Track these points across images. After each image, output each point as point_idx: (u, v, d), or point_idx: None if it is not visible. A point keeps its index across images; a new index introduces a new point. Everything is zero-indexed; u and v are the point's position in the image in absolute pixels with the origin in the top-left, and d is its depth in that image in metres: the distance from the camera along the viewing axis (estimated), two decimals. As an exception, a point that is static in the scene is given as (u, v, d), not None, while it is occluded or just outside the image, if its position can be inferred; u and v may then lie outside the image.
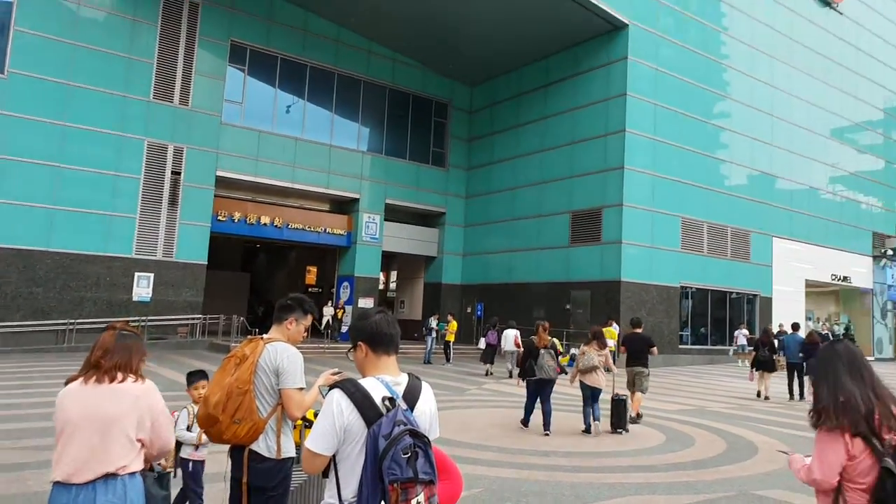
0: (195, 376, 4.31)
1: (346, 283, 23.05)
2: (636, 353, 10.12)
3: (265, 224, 21.66)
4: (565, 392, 11.09)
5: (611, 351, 17.25)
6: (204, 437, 3.86)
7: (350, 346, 2.21)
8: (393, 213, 24.06)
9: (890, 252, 29.11)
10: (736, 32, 23.10)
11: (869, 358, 27.36)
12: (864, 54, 28.57)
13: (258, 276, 31.54)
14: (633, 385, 10.01)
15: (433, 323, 19.07)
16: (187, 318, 19.08)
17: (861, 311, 29.61)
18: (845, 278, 27.63)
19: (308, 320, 3.23)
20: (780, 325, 22.05)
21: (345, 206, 23.49)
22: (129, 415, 2.50)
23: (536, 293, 21.90)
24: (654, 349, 10.18)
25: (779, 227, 24.33)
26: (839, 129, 27.36)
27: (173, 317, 18.83)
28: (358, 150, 23.20)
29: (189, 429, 4.10)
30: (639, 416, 9.82)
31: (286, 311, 3.16)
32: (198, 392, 4.18)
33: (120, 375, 2.55)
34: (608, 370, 9.04)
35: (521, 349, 13.48)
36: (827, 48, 26.67)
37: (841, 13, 27.31)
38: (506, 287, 23.09)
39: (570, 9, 19.33)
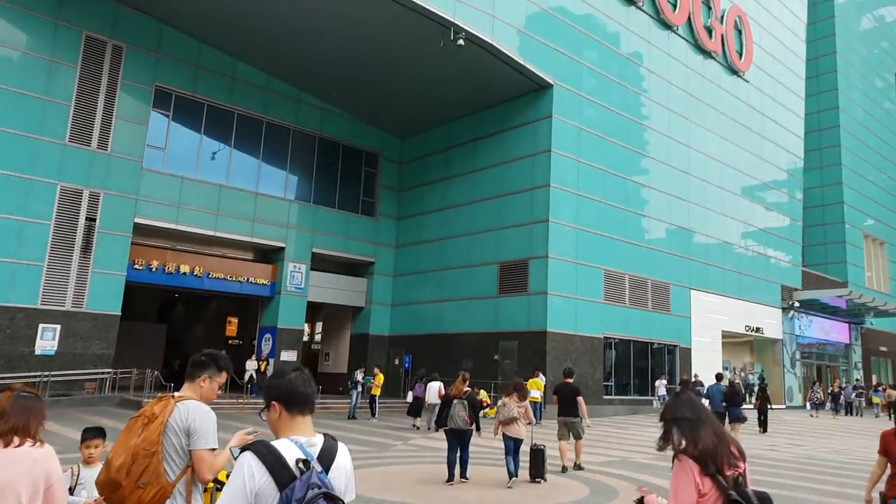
0: (90, 433, 4.02)
1: (268, 335, 22.37)
2: (568, 402, 10.24)
3: (185, 273, 20.90)
4: (489, 445, 10.93)
5: (537, 402, 17.44)
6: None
7: (264, 405, 2.10)
8: (320, 263, 23.69)
9: (797, 304, 30.67)
10: (654, 95, 24.33)
11: (780, 406, 28.49)
12: (768, 120, 30.59)
13: (176, 328, 30.25)
14: (567, 434, 10.11)
15: (359, 376, 18.63)
16: (96, 373, 17.98)
17: (773, 361, 30.91)
18: (758, 329, 28.86)
19: (223, 377, 3.08)
20: (696, 375, 22.75)
21: (270, 255, 22.98)
22: (23, 481, 2.38)
23: (465, 343, 21.84)
24: (580, 398, 10.30)
25: (696, 280, 25.29)
26: (749, 188, 28.97)
27: (80, 371, 17.71)
28: (285, 198, 22.88)
29: (71, 491, 3.79)
30: (578, 466, 9.93)
31: (199, 367, 3.01)
32: (89, 451, 3.92)
33: (16, 440, 2.44)
34: (529, 422, 9.10)
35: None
36: (736, 113, 28.41)
37: (747, 81, 29.25)
38: (435, 338, 22.94)
39: (499, 68, 19.91)
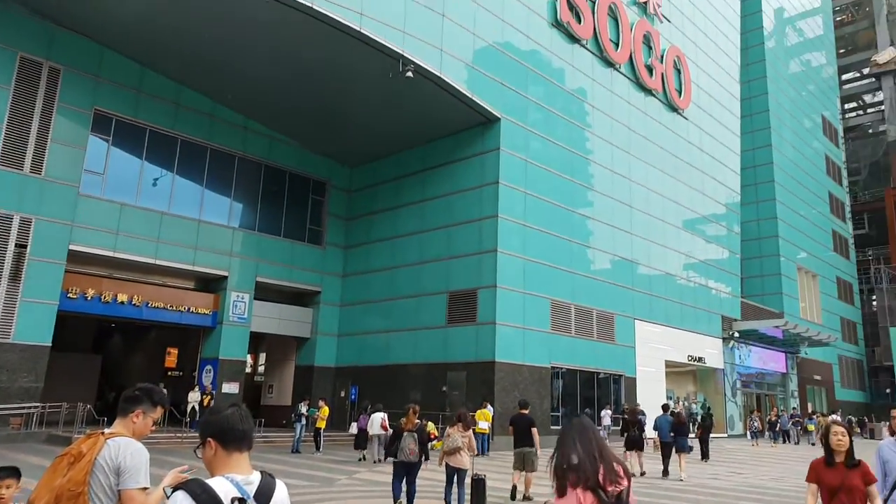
0: (2, 473, 3.77)
1: (209, 367, 21.69)
2: (523, 433, 10.28)
3: (122, 302, 20.17)
4: (436, 478, 10.75)
5: (485, 433, 17.32)
6: None
7: (199, 442, 2.02)
8: (264, 292, 23.21)
9: (736, 334, 31.57)
10: (597, 130, 24.95)
11: (721, 435, 29.09)
12: (707, 155, 31.72)
13: (111, 359, 29.05)
14: (521, 465, 10.14)
15: (303, 408, 18.21)
16: (22, 408, 17.05)
17: (715, 390, 31.61)
18: (700, 359, 29.52)
19: (157, 413, 2.95)
20: (638, 405, 23.01)
21: (212, 284, 22.40)
22: None
23: (413, 374, 21.62)
24: (534, 430, 10.36)
25: (640, 311, 25.76)
26: (690, 221, 29.86)
27: (5, 406, 16.77)
28: (229, 225, 22.41)
29: None
30: (527, 497, 9.93)
31: (133, 402, 2.88)
32: (0, 492, 3.68)
33: None
34: (472, 453, 9.11)
35: (389, 432, 13.20)
36: (676, 148, 29.38)
37: (686, 118, 30.35)
38: (382, 369, 22.64)
39: (448, 101, 20.12)
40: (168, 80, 21.09)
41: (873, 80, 62.30)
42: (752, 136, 38.37)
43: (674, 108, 29.47)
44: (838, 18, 64.36)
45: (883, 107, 61.25)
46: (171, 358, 28.35)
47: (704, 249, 30.78)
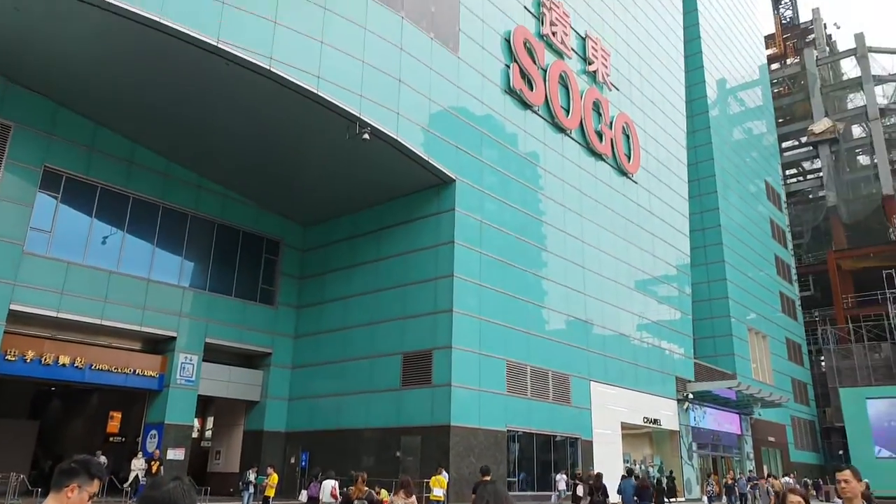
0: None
1: (153, 432, 20.82)
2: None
3: (64, 364, 19.39)
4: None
5: (440, 501, 16.88)
6: None
7: None
8: (213, 354, 22.59)
9: (691, 395, 31.80)
10: (550, 192, 25.50)
11: (680, 500, 28.88)
12: (656, 218, 32.61)
13: (49, 425, 27.65)
14: None
15: (251, 476, 17.57)
16: (-52, 477, 16.04)
17: (671, 453, 31.56)
18: (655, 421, 29.54)
19: (95, 486, 2.76)
20: (590, 470, 22.81)
21: (159, 346, 21.74)
22: None
23: (366, 439, 21.10)
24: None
25: (595, 372, 25.83)
26: (642, 282, 30.39)
27: (-71, 475, 15.75)
28: (179, 285, 21.93)
29: None
30: None
31: (67, 475, 2.70)
32: None
33: None
34: None
35: (339, 500, 12.75)
36: (627, 211, 30.15)
37: (636, 182, 31.29)
38: (334, 434, 22.05)
39: (404, 162, 20.40)
40: (122, 138, 20.93)
41: (811, 148, 65.58)
42: (699, 200, 39.66)
43: (623, 173, 30.37)
44: (776, 90, 68.03)
45: (821, 173, 64.30)
46: (114, 423, 27.13)
47: (657, 310, 31.26)
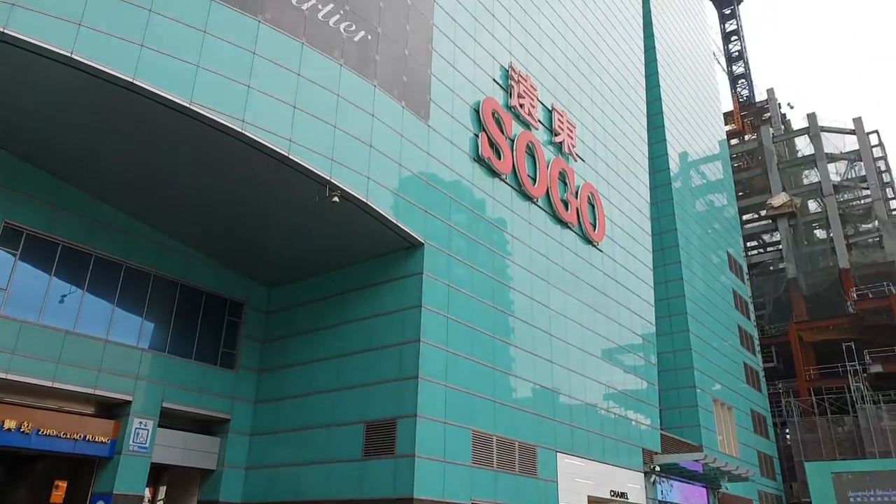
0: None
1: (101, 502, 19.78)
2: None
3: (10, 429, 18.47)
4: None
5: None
6: None
7: None
8: (169, 419, 21.76)
9: (657, 468, 31.43)
10: (517, 259, 25.70)
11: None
12: (622, 287, 32.98)
13: (-11, 495, 26.10)
14: None
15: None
16: None
17: (638, 526, 30.90)
18: (623, 494, 29.02)
19: None
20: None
21: (113, 410, 20.90)
22: None
23: (325, 512, 20.28)
24: None
25: (562, 443, 25.46)
26: (608, 351, 30.43)
27: None
28: (137, 346, 21.28)
29: None
30: None
31: None
32: None
33: None
34: None
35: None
36: (593, 279, 30.46)
37: (601, 251, 31.75)
38: (291, 505, 21.17)
39: (372, 225, 20.44)
40: (87, 196, 20.65)
41: (770, 221, 67.64)
42: (664, 270, 40.32)
43: (589, 241, 30.84)
44: (736, 164, 70.57)
45: (781, 246, 66.14)
46: (59, 493, 25.61)
47: (623, 380, 31.21)
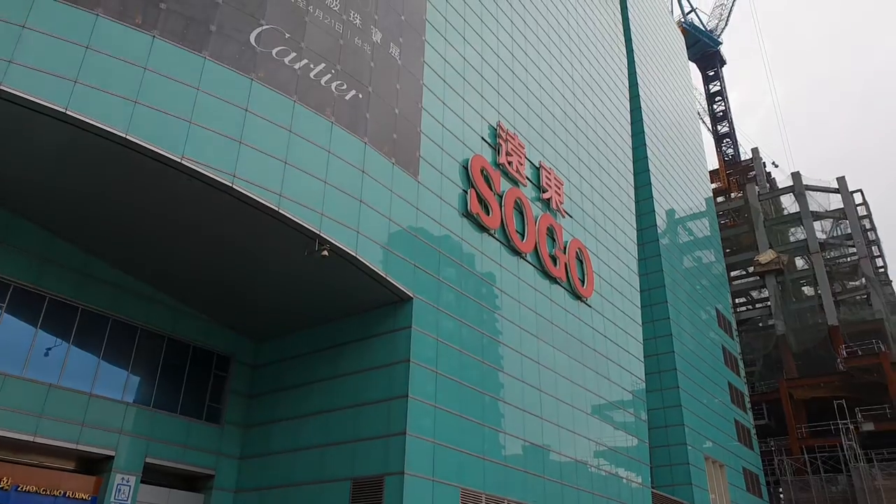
0: None
1: (78, 562, 19.22)
2: None
3: (-13, 485, 18.08)
4: None
5: None
6: None
7: None
8: (153, 475, 21.34)
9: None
10: (506, 313, 25.79)
11: None
12: (611, 342, 33.00)
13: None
14: None
15: None
16: None
17: (631, 589, 30.13)
18: (614, 553, 28.42)
19: None
20: None
21: (95, 465, 20.51)
22: None
23: (308, 572, 19.77)
24: None
25: (552, 501, 25.02)
26: (598, 407, 30.23)
27: None
28: (122, 400, 21.04)
29: None
30: None
31: None
32: None
33: None
34: None
35: None
36: (582, 334, 30.51)
37: (590, 306, 31.89)
38: (274, 565, 20.62)
39: (362, 279, 20.59)
40: (76, 249, 20.76)
41: (758, 278, 68.15)
42: (653, 326, 40.40)
43: (578, 297, 31.01)
44: (723, 222, 71.50)
45: (769, 303, 66.47)
46: (35, 553, 24.95)
47: (613, 437, 30.91)
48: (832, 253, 67.41)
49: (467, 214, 25.23)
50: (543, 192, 30.66)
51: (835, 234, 68.08)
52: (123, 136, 15.89)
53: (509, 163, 28.48)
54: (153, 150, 16.26)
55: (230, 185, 17.17)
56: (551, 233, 30.21)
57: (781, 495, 52.92)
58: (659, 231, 44.55)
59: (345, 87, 21.20)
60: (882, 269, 69.21)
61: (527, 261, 28.06)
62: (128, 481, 20.43)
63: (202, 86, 17.64)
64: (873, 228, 70.49)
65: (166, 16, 17.69)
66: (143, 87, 16.63)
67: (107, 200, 18.75)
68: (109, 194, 18.47)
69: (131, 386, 21.68)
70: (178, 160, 16.50)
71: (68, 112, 15.41)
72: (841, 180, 67.11)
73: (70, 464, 20.43)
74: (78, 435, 19.56)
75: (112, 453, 20.24)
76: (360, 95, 21.72)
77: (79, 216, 19.59)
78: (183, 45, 17.67)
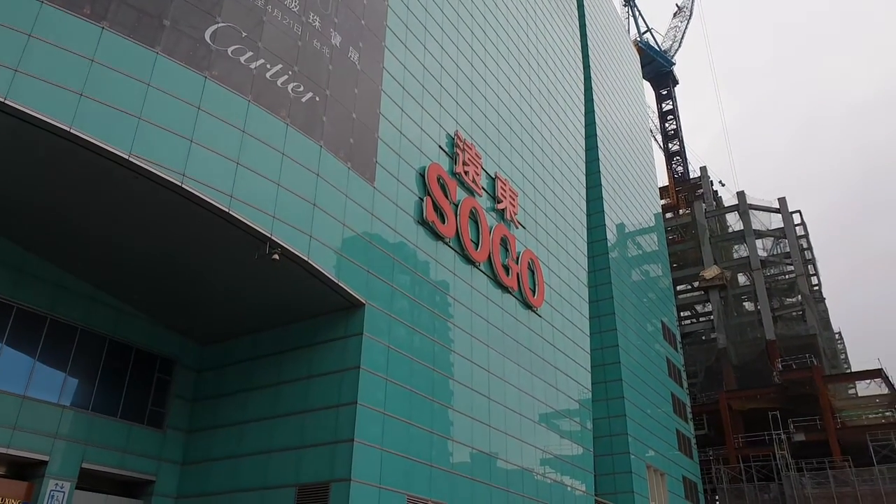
0: None
1: (5, 572, 18.41)
2: None
3: None
4: None
5: None
6: None
7: None
8: (89, 480, 20.59)
9: (592, 535, 31.30)
10: (458, 321, 25.86)
11: None
12: (560, 352, 33.41)
13: None
14: None
15: None
16: None
17: None
18: (557, 562, 28.69)
19: None
20: None
21: (27, 471, 19.67)
22: None
23: (249, 582, 19.36)
24: None
25: (497, 508, 25.16)
26: (545, 415, 30.53)
27: None
28: (59, 403, 20.25)
29: None
30: None
31: None
32: None
33: None
34: None
35: None
36: (532, 344, 30.80)
37: (540, 316, 32.23)
38: (214, 575, 20.14)
39: (312, 284, 20.33)
40: (13, 245, 19.94)
41: (703, 292, 70.04)
42: (600, 336, 41.11)
43: (529, 306, 31.31)
44: (671, 237, 73.39)
45: (712, 317, 68.40)
46: (-41, 562, 23.79)
47: (559, 445, 31.26)
48: (772, 270, 69.90)
49: (423, 222, 25.23)
50: (498, 202, 30.90)
51: (775, 253, 70.58)
52: (68, 129, 15.33)
53: (466, 172, 28.62)
54: (100, 146, 15.73)
55: (179, 184, 16.75)
56: (505, 243, 30.46)
57: (718, 502, 54.33)
58: (609, 244, 45.41)
59: (302, 88, 20.97)
60: (817, 287, 72.00)
61: (480, 270, 28.21)
62: (62, 487, 19.67)
63: (153, 81, 17.17)
64: (810, 248, 73.37)
65: (117, 7, 17.16)
66: (90, 79, 16.04)
67: (48, 196, 18.05)
68: (52, 190, 17.79)
69: (69, 389, 20.89)
70: (126, 157, 16.01)
71: (7, 102, 14.78)
72: (782, 201, 69.64)
73: (0, 469, 19.56)
74: (9, 439, 18.73)
75: (46, 458, 19.44)
76: (318, 98, 21.51)
77: (17, 211, 18.78)
78: (134, 38, 17.16)
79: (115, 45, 16.77)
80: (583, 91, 49.09)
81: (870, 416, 57.41)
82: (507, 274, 29.92)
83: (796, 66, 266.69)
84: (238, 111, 18.85)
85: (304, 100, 20.95)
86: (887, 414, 55.50)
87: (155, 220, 18.61)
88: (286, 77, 20.54)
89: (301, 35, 21.54)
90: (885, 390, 54.59)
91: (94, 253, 20.48)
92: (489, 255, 28.81)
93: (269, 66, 20.07)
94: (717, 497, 54.80)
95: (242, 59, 19.39)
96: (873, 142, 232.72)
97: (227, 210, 17.58)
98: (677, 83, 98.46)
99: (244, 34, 19.62)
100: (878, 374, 53.98)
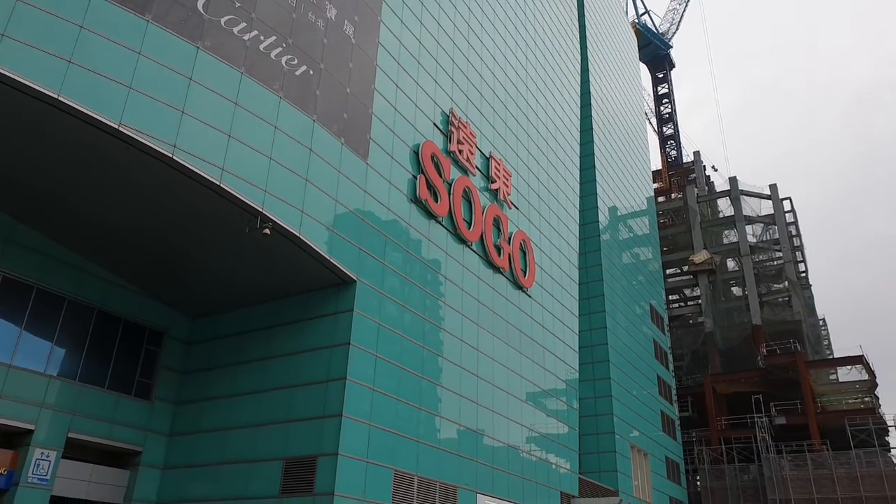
0: None
1: (-8, 538, 18.47)
2: None
3: None
4: None
5: None
6: None
7: None
8: (75, 450, 20.62)
9: (574, 512, 31.75)
10: (449, 300, 25.90)
11: None
12: (548, 332, 33.60)
13: None
14: None
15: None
16: None
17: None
18: (540, 538, 29.11)
19: None
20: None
21: (13, 439, 19.65)
22: None
23: (235, 552, 19.53)
24: None
25: (483, 484, 25.43)
26: (533, 394, 30.77)
27: None
28: (45, 373, 20.19)
29: None
30: None
31: None
32: None
33: None
34: None
35: None
36: (521, 323, 30.94)
37: (530, 296, 32.35)
38: (201, 545, 20.31)
39: (304, 259, 20.25)
40: (1, 213, 19.71)
41: (692, 276, 70.44)
42: (589, 318, 41.35)
43: (519, 287, 31.39)
44: (662, 221, 73.56)
45: (700, 301, 68.88)
46: (-56, 528, 23.85)
47: (545, 423, 31.55)
48: (760, 256, 70.29)
49: (416, 200, 25.13)
50: (492, 182, 30.81)
51: (764, 239, 70.94)
52: (56, 96, 15.06)
53: (460, 151, 28.47)
54: (88, 115, 15.46)
55: (170, 155, 16.54)
56: (497, 223, 30.42)
57: (699, 482, 55.19)
58: (601, 226, 45.50)
59: (296, 62, 20.71)
60: (804, 274, 72.56)
61: (472, 250, 28.20)
62: (47, 456, 19.68)
63: (144, 50, 16.85)
64: (798, 235, 73.79)
65: (109, -27, 16.81)
66: (78, 46, 15.68)
67: (37, 166, 17.81)
68: (40, 160, 17.53)
69: (56, 358, 20.82)
70: (115, 126, 15.77)
71: (-4, 69, 14.49)
72: (773, 187, 69.84)
73: (-14, 437, 19.56)
74: (-5, 407, 18.71)
75: (32, 427, 19.43)
76: (312, 72, 21.26)
77: (4, 181, 18.54)
78: (124, 5, 16.81)
79: (105, 12, 16.41)
80: (579, 72, 48.80)
81: (849, 401, 58.23)
82: (499, 254, 29.93)
83: (796, 51, 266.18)
84: (230, 83, 18.59)
85: (297, 73, 20.69)
86: (866, 399, 56.32)
87: (144, 191, 18.41)
88: (280, 49, 20.26)
89: (295, 7, 21.22)
90: (865, 376, 55.36)
91: (84, 224, 20.28)
92: (482, 235, 28.79)
93: (262, 37, 19.78)
94: (698, 477, 55.65)
95: (235, 30, 19.09)
96: (870, 126, 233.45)
97: (218, 183, 17.41)
98: (674, 67, 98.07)
99: (238, 4, 19.31)
100: (858, 360, 54.70)
